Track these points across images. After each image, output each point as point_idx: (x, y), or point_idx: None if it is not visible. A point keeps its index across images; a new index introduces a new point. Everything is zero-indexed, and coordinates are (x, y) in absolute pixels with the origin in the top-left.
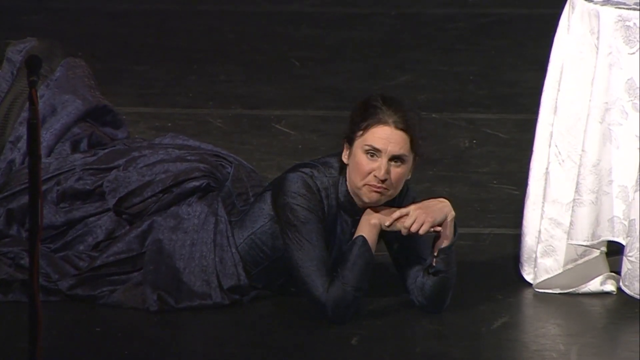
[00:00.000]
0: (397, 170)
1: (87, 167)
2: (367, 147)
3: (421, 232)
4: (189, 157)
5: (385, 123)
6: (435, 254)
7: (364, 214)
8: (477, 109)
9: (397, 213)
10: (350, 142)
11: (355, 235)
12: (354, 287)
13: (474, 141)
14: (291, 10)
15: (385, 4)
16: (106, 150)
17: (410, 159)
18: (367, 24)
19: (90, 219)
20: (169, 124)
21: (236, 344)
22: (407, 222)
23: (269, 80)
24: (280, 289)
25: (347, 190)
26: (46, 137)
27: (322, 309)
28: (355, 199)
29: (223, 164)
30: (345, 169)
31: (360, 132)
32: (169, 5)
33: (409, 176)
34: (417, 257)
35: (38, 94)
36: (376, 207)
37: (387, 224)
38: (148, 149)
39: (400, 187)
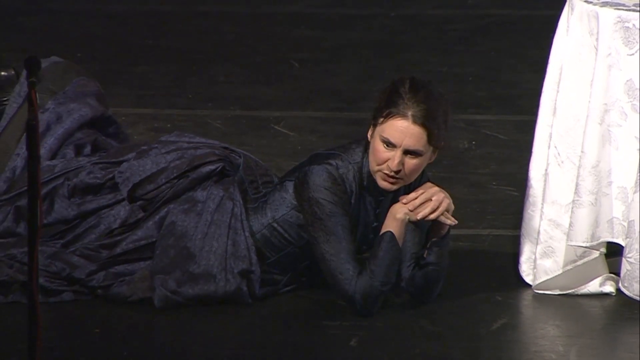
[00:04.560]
0: (411, 162)
1: (97, 161)
2: (383, 138)
3: (442, 208)
4: (201, 147)
5: (403, 116)
6: (428, 245)
7: (391, 209)
8: (477, 110)
9: (420, 199)
10: (374, 123)
11: (383, 230)
12: (381, 282)
13: (473, 142)
14: (290, 12)
15: (385, 5)
16: (114, 148)
17: (427, 151)
18: (366, 25)
19: (103, 210)
20: (169, 125)
21: (236, 344)
22: (435, 203)
23: (268, 82)
24: (296, 276)
25: (369, 171)
26: (49, 141)
27: (350, 302)
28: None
29: (233, 155)
30: (368, 148)
31: (381, 120)
32: (168, 7)
33: (432, 160)
34: (414, 244)
35: (46, 107)
36: (399, 199)
37: (419, 217)
38: (157, 144)
39: (414, 177)
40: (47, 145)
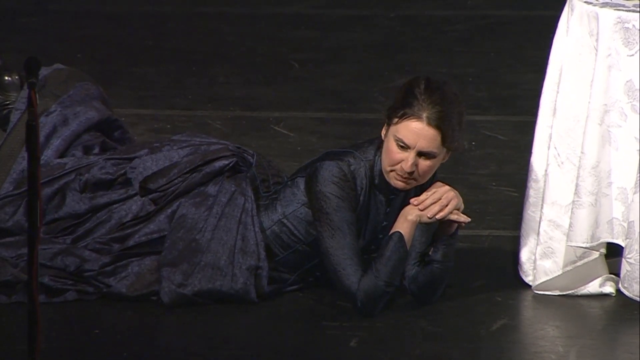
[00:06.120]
0: (425, 164)
1: (109, 157)
2: (397, 139)
3: (450, 206)
4: (214, 145)
5: (418, 118)
6: (435, 243)
7: (403, 210)
8: (476, 111)
9: (430, 199)
10: (388, 123)
11: (392, 230)
12: (385, 282)
13: (473, 143)
14: (290, 12)
15: (384, 6)
16: (126, 145)
17: (441, 153)
18: (366, 26)
19: (115, 205)
20: (168, 126)
21: (235, 345)
22: (444, 201)
23: (268, 82)
24: (304, 275)
25: (381, 170)
26: (56, 143)
27: (352, 299)
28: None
29: (246, 154)
30: (382, 147)
31: (396, 120)
32: (168, 7)
33: (445, 160)
34: (420, 244)
35: (50, 110)
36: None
37: (429, 215)
38: (169, 142)
39: (427, 178)
40: (53, 146)
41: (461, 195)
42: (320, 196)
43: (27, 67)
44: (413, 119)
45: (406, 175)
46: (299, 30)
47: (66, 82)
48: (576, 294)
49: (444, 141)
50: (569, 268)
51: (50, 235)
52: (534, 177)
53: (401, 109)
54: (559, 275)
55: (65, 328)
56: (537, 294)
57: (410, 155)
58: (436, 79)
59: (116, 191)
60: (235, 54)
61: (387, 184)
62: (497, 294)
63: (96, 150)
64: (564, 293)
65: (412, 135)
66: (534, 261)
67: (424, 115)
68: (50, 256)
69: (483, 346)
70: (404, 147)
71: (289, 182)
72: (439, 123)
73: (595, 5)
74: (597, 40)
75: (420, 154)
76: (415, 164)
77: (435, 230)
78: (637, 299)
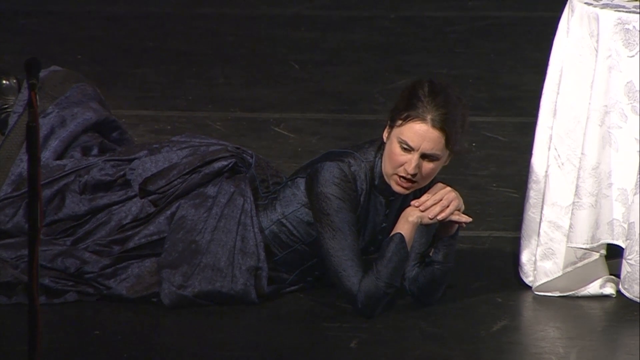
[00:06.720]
0: (428, 166)
1: (108, 158)
2: (401, 141)
3: (451, 207)
4: (213, 146)
5: (422, 120)
6: (435, 244)
7: (404, 212)
8: (477, 112)
9: (431, 201)
10: (391, 125)
11: (393, 232)
12: (386, 284)
13: (474, 144)
14: (290, 13)
15: (385, 6)
16: (126, 146)
17: (444, 155)
18: (366, 27)
19: (114, 206)
20: (169, 127)
21: (235, 346)
22: (445, 202)
23: (268, 83)
24: (303, 274)
25: (382, 171)
26: (54, 144)
27: (352, 300)
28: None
29: (245, 155)
30: (383, 148)
31: (400, 122)
32: (168, 9)
33: (447, 163)
34: (420, 245)
35: (47, 111)
36: (412, 204)
37: (430, 216)
38: (169, 143)
39: (429, 180)
40: (51, 147)
41: (462, 197)
42: (321, 197)
43: (27, 68)
44: (417, 120)
45: (409, 178)
46: (299, 30)
47: (63, 83)
48: (576, 295)
49: (448, 143)
50: (569, 269)
51: (50, 236)
52: (535, 178)
53: (405, 111)
54: (559, 276)
55: (66, 329)
56: (538, 295)
57: (413, 157)
58: (439, 81)
59: (115, 192)
60: (236, 55)
61: (387, 185)
62: (497, 295)
63: (95, 152)
64: (565, 294)
65: (416, 137)
66: (534, 262)
67: (429, 117)
68: (51, 258)
69: (483, 347)
70: (408, 149)
71: (288, 183)
72: (444, 125)
73: (595, 6)
74: (597, 41)
75: (424, 156)
76: (419, 166)
77: (436, 231)
78: (638, 300)
